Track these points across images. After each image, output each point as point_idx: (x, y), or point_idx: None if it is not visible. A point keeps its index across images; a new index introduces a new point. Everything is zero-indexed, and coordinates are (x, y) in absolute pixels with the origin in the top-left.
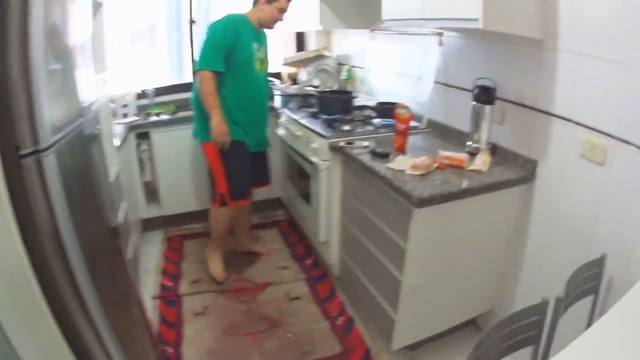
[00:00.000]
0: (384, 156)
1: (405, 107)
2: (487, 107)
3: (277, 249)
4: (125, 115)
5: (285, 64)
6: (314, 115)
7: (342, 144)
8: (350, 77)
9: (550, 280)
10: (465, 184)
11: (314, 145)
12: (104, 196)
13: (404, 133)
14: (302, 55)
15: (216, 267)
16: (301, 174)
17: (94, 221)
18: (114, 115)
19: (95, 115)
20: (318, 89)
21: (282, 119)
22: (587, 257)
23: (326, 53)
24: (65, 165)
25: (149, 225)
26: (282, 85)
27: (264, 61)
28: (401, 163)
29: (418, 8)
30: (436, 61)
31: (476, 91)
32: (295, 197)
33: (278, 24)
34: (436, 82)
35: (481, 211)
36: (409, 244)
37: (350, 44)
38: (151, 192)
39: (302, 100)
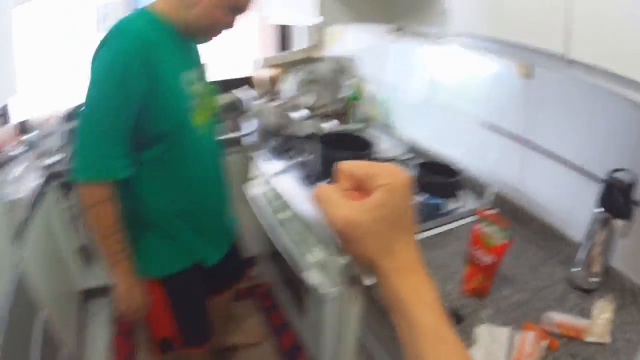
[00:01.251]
0: (455, 319)
1: (502, 227)
2: (620, 223)
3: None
4: (44, 155)
5: (263, 67)
6: (310, 178)
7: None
8: (357, 98)
9: None
10: None
11: (314, 257)
12: None
13: (490, 271)
14: (285, 57)
15: None
16: (292, 278)
17: None
18: (32, 147)
19: None
20: (312, 106)
21: (257, 169)
22: None
23: (317, 54)
24: None
25: (93, 293)
26: (257, 103)
27: (206, 99)
28: (489, 345)
29: (558, 38)
30: (513, 102)
31: (607, 190)
32: (284, 293)
33: (223, 34)
34: (509, 136)
35: None
36: None
37: (355, 39)
38: (90, 255)
39: (287, 141)
